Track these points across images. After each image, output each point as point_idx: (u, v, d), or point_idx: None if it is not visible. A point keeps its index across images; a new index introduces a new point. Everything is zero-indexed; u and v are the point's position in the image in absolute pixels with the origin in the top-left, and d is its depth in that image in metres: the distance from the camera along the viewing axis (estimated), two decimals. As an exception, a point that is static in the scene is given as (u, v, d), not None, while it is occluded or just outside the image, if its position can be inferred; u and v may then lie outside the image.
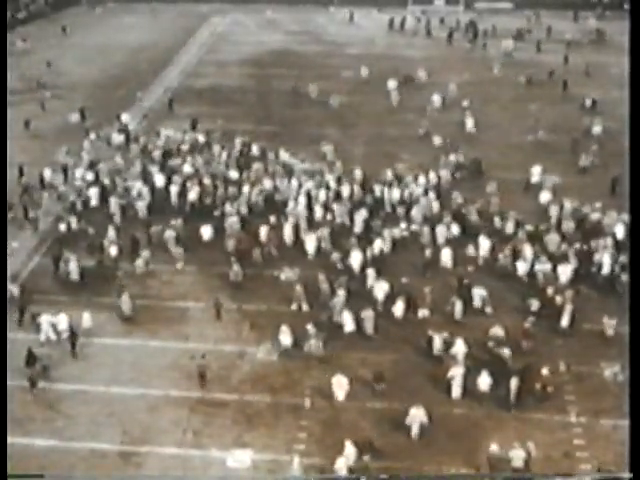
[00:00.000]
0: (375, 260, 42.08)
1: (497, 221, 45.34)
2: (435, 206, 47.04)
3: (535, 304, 38.26)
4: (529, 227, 44.39)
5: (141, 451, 30.86)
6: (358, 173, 50.62)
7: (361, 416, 32.59)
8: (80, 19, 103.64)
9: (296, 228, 45.30)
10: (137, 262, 42.62)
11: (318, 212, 46.81)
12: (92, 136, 58.95)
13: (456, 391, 33.53)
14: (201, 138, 58.16)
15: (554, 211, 46.12)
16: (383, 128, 62.05)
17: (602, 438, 31.35)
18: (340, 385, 32.22)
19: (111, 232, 44.67)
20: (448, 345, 35.30)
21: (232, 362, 35.85)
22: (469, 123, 60.81)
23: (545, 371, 32.99)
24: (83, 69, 79.84)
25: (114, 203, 47.98)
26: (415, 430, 31.04)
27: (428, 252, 42.54)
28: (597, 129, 59.10)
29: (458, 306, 37.70)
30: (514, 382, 32.29)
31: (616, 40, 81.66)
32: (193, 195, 48.27)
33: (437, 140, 57.95)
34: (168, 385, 34.28)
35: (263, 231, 44.46)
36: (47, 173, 52.06)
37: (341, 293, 38.70)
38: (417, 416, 30.85)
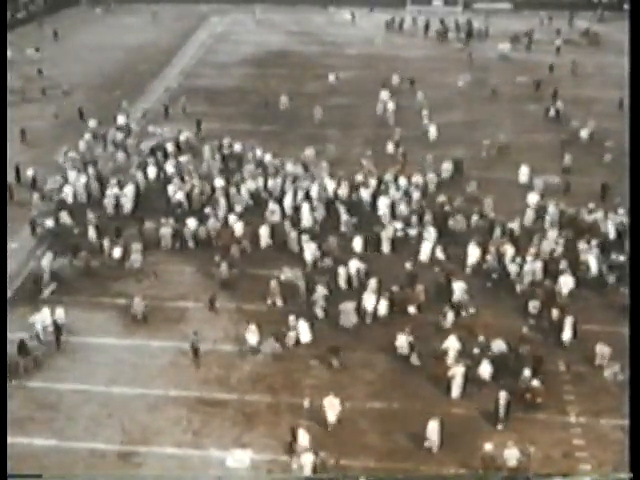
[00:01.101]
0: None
1: (478, 220, 45.35)
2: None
3: (535, 305, 38.24)
4: (511, 226, 44.55)
5: (141, 451, 30.83)
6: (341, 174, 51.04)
7: (361, 416, 32.58)
8: (79, 19, 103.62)
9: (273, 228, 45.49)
10: (133, 257, 42.88)
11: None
12: (87, 136, 59.00)
13: (455, 391, 33.52)
14: (189, 137, 58.59)
15: (546, 213, 46.02)
16: (383, 129, 62.04)
17: (602, 438, 31.35)
18: (332, 406, 31.53)
19: (91, 231, 45.07)
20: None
21: (231, 362, 35.83)
22: (431, 130, 60.21)
23: (535, 382, 32.52)
24: (82, 69, 79.81)
25: (106, 202, 48.38)
26: (434, 442, 30.60)
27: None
28: (584, 133, 58.68)
29: (450, 316, 37.26)
30: (503, 396, 31.61)
31: (613, 41, 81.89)
32: (180, 194, 48.41)
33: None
34: (168, 385, 34.27)
35: (238, 227, 44.91)
36: (30, 173, 52.21)
37: (320, 289, 39.14)
38: (435, 429, 30.60)
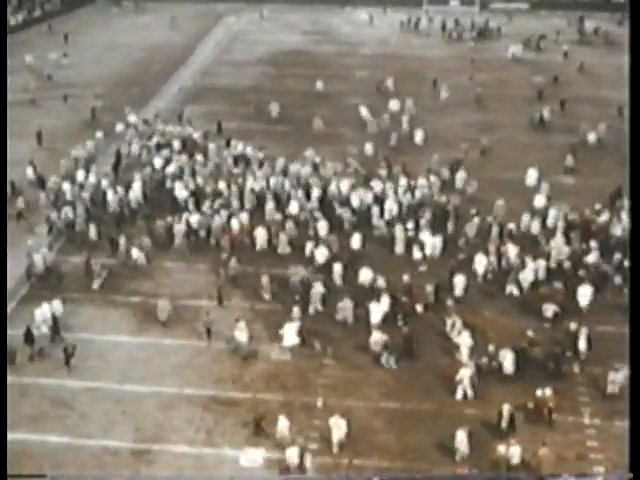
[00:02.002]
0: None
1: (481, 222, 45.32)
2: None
3: (550, 309, 37.99)
4: (510, 226, 44.58)
5: (153, 449, 30.84)
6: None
7: (374, 416, 32.52)
8: (96, 18, 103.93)
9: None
10: (137, 255, 42.92)
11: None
12: (99, 134, 59.18)
13: (459, 393, 33.46)
14: (196, 136, 58.62)
15: (551, 217, 45.82)
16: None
17: (616, 440, 31.13)
18: (338, 427, 30.85)
19: (92, 230, 45.35)
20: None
21: (245, 361, 35.81)
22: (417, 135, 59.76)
23: (548, 391, 31.94)
24: (98, 68, 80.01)
25: (111, 201, 48.40)
26: (464, 452, 30.28)
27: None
28: (592, 137, 58.39)
29: (458, 324, 36.69)
30: (506, 409, 31.22)
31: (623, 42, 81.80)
32: (185, 193, 48.54)
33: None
34: (181, 383, 34.27)
35: (235, 224, 45.16)
36: (29, 172, 52.50)
37: (317, 286, 39.31)
38: (464, 439, 30.32)
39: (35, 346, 36.13)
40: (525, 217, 45.48)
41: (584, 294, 38.98)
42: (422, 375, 34.78)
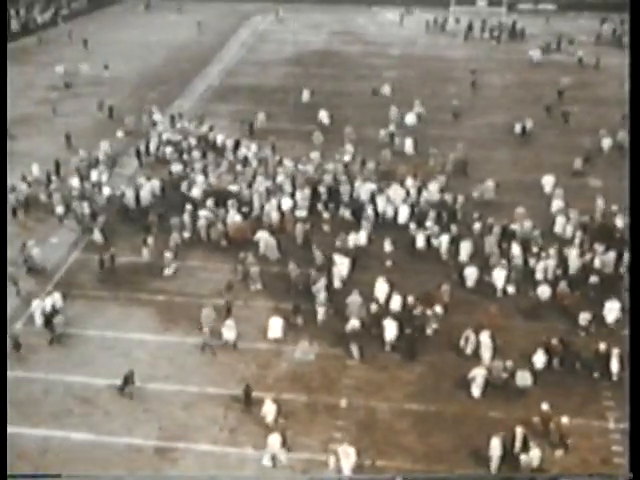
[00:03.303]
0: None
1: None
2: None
3: (586, 317, 37.53)
4: (513, 227, 44.48)
5: (177, 447, 30.85)
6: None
7: (397, 417, 32.42)
8: (123, 17, 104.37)
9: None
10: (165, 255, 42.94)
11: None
12: (120, 133, 59.42)
13: (475, 391, 33.34)
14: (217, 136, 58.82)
15: (567, 223, 45.48)
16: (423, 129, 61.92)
17: (641, 445, 30.95)
18: (346, 455, 30.07)
19: (96, 234, 45.42)
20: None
21: (269, 360, 35.80)
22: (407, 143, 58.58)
23: (565, 420, 30.97)
24: (125, 66, 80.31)
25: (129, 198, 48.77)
26: (497, 459, 30.01)
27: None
28: (606, 143, 57.65)
29: (472, 338, 35.95)
30: (519, 432, 30.20)
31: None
32: (196, 191, 48.80)
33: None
34: (204, 382, 34.28)
35: (231, 222, 45.57)
36: (35, 169, 52.68)
37: (322, 280, 39.58)
38: (497, 446, 29.92)
39: (55, 331, 36.77)
40: (527, 223, 44.92)
41: (611, 309, 37.49)
42: (446, 377, 34.58)
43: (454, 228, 44.48)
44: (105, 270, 42.20)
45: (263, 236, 44.13)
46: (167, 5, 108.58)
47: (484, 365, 34.19)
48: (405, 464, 29.95)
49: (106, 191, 49.76)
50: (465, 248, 42.71)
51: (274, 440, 30.03)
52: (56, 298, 38.54)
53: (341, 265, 41.13)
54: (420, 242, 43.88)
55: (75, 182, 50.34)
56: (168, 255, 42.56)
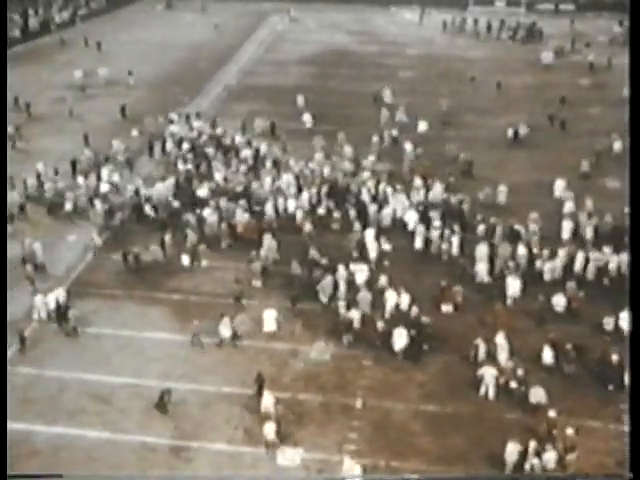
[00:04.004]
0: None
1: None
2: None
3: (609, 322, 37.09)
4: (517, 227, 44.42)
5: (191, 446, 30.81)
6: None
7: (412, 418, 32.30)
8: (141, 16, 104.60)
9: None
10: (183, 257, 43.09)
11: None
12: (134, 133, 59.46)
13: (490, 392, 33.27)
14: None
15: (578, 225, 45.40)
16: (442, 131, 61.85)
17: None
18: (350, 470, 29.54)
19: (95, 237, 45.15)
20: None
21: (284, 360, 35.75)
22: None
23: (570, 431, 30.38)
24: (142, 66, 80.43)
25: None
26: (512, 465, 29.80)
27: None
28: (618, 145, 57.10)
29: (482, 348, 35.52)
30: (532, 445, 29.67)
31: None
32: (204, 190, 48.93)
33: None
34: (220, 381, 34.23)
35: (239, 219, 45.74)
36: (39, 166, 52.64)
37: (329, 278, 39.64)
38: (514, 452, 29.72)
39: (70, 324, 37.20)
40: (532, 225, 44.70)
41: (626, 318, 36.21)
42: (461, 378, 34.41)
43: (456, 228, 44.45)
44: (129, 268, 42.46)
45: (267, 237, 44.09)
46: (188, 5, 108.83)
47: (499, 366, 34.03)
48: (420, 465, 29.79)
49: (120, 190, 50.24)
50: (481, 251, 42.39)
51: (269, 429, 30.27)
52: (60, 294, 38.72)
53: (360, 273, 40.56)
54: (418, 243, 44.10)
55: (81, 180, 50.95)
56: (185, 257, 42.83)
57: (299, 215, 46.95)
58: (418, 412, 32.62)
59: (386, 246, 43.87)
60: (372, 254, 42.76)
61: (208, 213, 45.96)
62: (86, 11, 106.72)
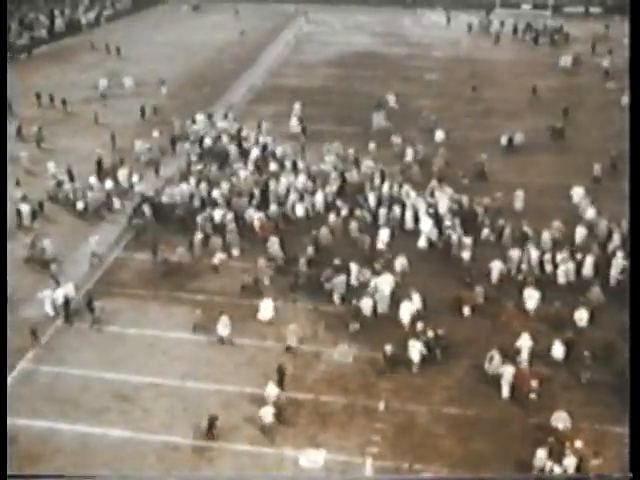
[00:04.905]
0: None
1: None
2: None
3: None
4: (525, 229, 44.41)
5: (214, 446, 30.80)
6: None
7: (435, 421, 32.17)
8: (166, 17, 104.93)
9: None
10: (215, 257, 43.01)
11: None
12: (155, 134, 59.75)
13: (505, 390, 33.24)
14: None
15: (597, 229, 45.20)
16: (467, 132, 61.65)
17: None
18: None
19: (91, 242, 44.87)
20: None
21: (308, 362, 35.69)
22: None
23: (579, 444, 29.84)
24: (168, 66, 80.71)
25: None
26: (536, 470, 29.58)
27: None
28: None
29: (496, 357, 34.81)
30: (548, 465, 29.41)
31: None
32: (216, 192, 48.95)
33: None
34: (243, 382, 34.22)
35: (256, 220, 45.97)
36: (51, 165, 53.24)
37: (342, 277, 39.91)
38: (543, 457, 29.38)
39: (95, 313, 37.68)
40: (545, 235, 44.16)
41: None
42: (485, 381, 34.25)
43: (460, 230, 44.48)
44: (156, 269, 42.70)
45: (272, 239, 44.10)
46: (215, 7, 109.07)
47: (520, 364, 34.09)
48: (443, 468, 29.68)
49: (138, 189, 50.60)
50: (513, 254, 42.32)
51: (266, 412, 31.15)
52: (69, 289, 39.01)
53: (384, 284, 39.72)
54: (422, 242, 44.50)
55: (108, 181, 51.13)
56: (219, 256, 42.90)
57: (321, 211, 47.70)
58: (441, 415, 32.49)
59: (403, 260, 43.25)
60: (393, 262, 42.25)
61: (219, 214, 46.23)
62: (112, 12, 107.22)
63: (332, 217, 46.35)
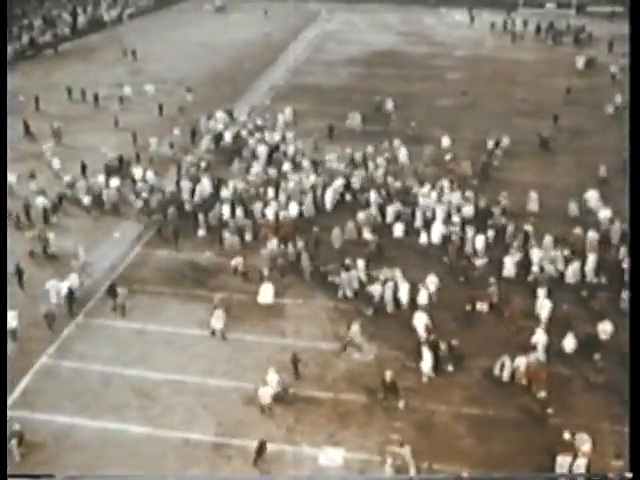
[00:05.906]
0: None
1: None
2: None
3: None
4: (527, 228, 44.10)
5: (233, 444, 30.79)
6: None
7: (455, 421, 32.03)
8: (188, 15, 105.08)
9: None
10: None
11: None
12: (176, 131, 59.85)
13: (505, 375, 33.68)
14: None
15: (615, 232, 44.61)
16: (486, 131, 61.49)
17: None
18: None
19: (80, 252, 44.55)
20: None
21: (328, 360, 35.61)
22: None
23: (587, 447, 29.72)
24: (190, 65, 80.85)
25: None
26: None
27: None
28: None
29: (507, 364, 34.38)
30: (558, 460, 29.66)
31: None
32: (226, 192, 48.95)
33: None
34: (263, 379, 34.12)
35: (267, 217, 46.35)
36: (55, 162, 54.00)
37: (354, 273, 40.26)
38: (565, 465, 29.20)
39: (118, 300, 38.47)
40: (547, 239, 43.65)
41: None
42: (505, 381, 34.12)
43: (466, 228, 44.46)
44: (179, 266, 43.04)
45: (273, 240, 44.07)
46: (238, 5, 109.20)
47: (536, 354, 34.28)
48: (463, 468, 29.53)
49: (158, 186, 50.78)
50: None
51: (265, 392, 32.15)
52: (73, 280, 39.31)
53: (403, 285, 39.55)
54: (398, 231, 45.22)
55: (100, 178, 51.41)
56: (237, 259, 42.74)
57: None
58: (461, 415, 32.36)
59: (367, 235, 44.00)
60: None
61: (226, 211, 46.58)
62: (134, 10, 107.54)
63: (361, 214, 46.32)
